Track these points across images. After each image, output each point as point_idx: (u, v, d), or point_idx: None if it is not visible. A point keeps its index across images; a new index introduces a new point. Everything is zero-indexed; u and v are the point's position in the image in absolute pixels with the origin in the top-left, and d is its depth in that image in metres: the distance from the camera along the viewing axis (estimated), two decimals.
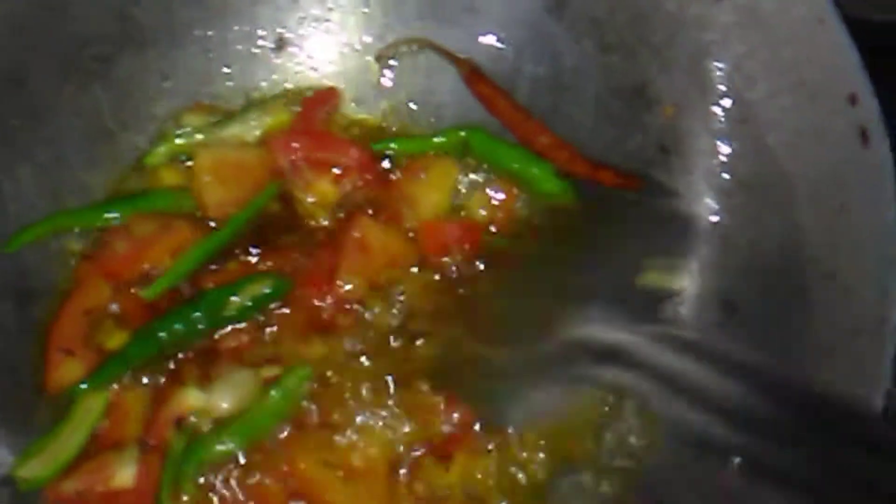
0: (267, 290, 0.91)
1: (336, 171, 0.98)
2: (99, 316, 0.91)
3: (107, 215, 0.94)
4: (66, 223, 0.94)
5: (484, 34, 1.01)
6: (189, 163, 0.97)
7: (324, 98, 1.01)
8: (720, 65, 0.92)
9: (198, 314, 0.89)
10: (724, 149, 0.94)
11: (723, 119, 0.93)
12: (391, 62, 1.03)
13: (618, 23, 0.96)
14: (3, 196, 0.92)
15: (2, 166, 0.92)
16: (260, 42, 1.03)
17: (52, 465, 0.85)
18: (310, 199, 0.97)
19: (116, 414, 0.88)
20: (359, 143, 0.99)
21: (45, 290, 0.93)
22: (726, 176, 0.94)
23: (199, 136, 0.98)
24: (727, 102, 0.93)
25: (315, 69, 1.05)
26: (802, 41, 0.87)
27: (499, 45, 1.01)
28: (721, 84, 0.92)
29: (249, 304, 0.90)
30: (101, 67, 0.96)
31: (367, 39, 1.04)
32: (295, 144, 0.97)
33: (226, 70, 1.03)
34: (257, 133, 0.99)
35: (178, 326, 0.89)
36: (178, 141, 0.98)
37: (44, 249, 0.94)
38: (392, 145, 1.00)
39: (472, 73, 0.99)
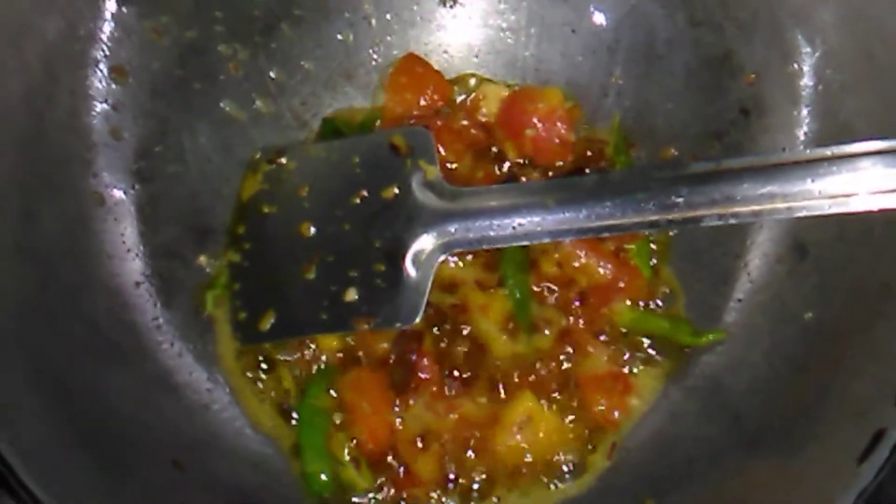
0: None
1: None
2: None
3: None
4: None
5: (590, 9, 1.13)
6: None
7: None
8: (798, 37, 1.01)
9: None
10: (802, 112, 1.04)
11: (800, 86, 1.03)
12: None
13: (707, 1, 1.07)
14: (184, 149, 1.08)
15: (184, 123, 1.08)
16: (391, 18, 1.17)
17: None
18: None
19: None
20: None
21: None
22: (800, 136, 1.05)
23: None
24: (805, 70, 1.02)
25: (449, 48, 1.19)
26: (872, 15, 0.95)
27: (601, 19, 1.13)
28: (799, 54, 1.02)
29: None
30: (265, 39, 1.11)
31: (489, 11, 1.17)
32: None
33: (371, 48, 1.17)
34: None
35: None
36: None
37: None
38: None
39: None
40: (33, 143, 0.96)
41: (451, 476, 1.01)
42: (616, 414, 1.03)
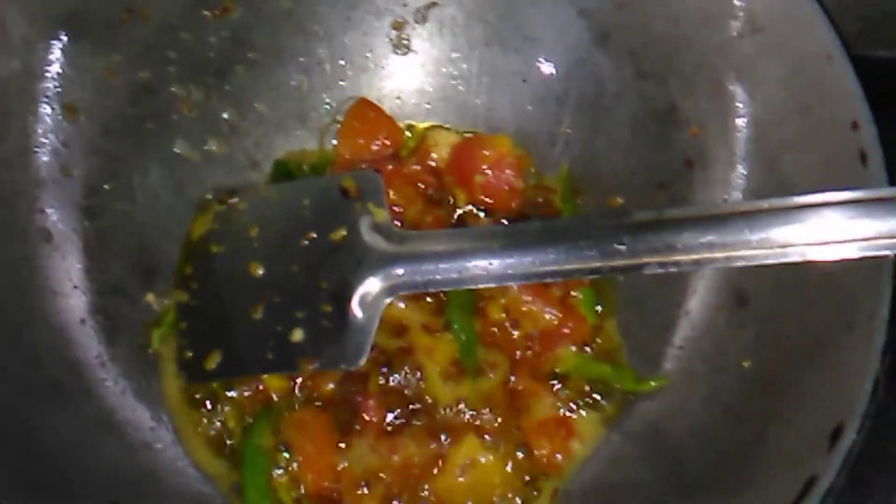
0: None
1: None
2: None
3: None
4: None
5: (539, 60, 1.16)
6: None
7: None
8: (739, 91, 1.04)
9: None
10: (742, 165, 1.06)
11: (740, 139, 1.05)
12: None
13: (652, 55, 1.09)
14: (134, 187, 1.09)
15: (135, 161, 1.08)
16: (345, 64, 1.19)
17: None
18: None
19: None
20: None
21: None
22: (740, 188, 1.07)
23: None
24: (745, 124, 1.04)
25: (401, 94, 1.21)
26: (812, 73, 0.97)
27: (551, 69, 1.16)
28: (740, 108, 1.04)
29: None
30: (218, 80, 1.13)
31: (441, 60, 1.20)
32: None
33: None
34: None
35: None
36: None
37: None
38: None
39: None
40: None
41: None
42: (559, 458, 1.04)
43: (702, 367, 1.03)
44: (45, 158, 1.02)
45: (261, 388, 1.06)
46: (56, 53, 1.01)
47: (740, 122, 1.05)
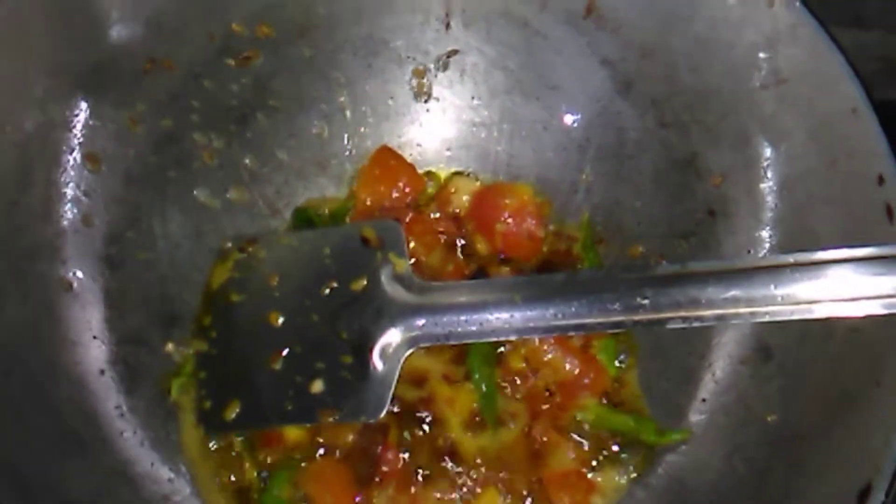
0: None
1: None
2: None
3: None
4: None
5: (560, 108, 1.16)
6: None
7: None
8: (763, 142, 1.03)
9: None
10: (766, 216, 1.05)
11: (764, 190, 1.04)
12: None
13: (675, 104, 1.08)
14: (155, 235, 1.09)
15: (156, 210, 1.08)
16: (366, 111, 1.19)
17: None
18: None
19: None
20: None
21: None
22: (764, 240, 1.06)
23: None
24: (769, 175, 1.04)
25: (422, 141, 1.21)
26: (837, 126, 0.96)
27: (572, 118, 1.16)
28: (764, 159, 1.04)
29: None
30: (240, 128, 1.13)
31: (462, 107, 1.20)
32: None
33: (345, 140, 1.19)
34: None
35: None
36: None
37: None
38: None
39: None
40: (3, 229, 0.96)
41: None
42: None
43: (726, 421, 1.02)
44: (66, 208, 1.02)
45: (279, 439, 1.04)
46: (79, 105, 1.01)
47: (764, 173, 1.05)
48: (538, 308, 0.97)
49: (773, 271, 0.90)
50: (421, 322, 1.01)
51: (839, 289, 0.87)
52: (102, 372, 1.02)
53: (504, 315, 0.98)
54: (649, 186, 1.13)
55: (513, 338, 1.01)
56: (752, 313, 0.90)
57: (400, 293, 1.03)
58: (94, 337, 1.02)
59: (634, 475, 1.05)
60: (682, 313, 0.92)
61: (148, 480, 1.01)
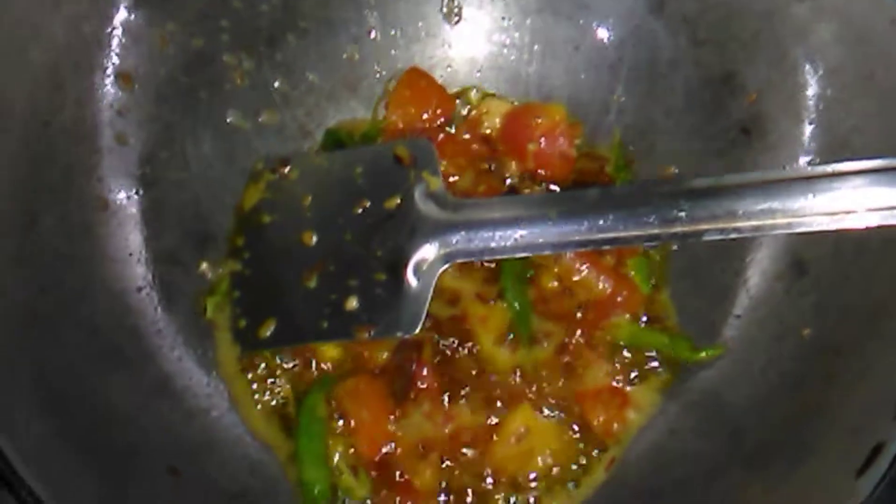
0: None
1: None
2: None
3: None
4: None
5: (593, 27, 1.15)
6: None
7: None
8: (799, 56, 1.02)
9: None
10: (802, 130, 1.04)
11: (800, 104, 1.03)
12: None
13: (709, 21, 1.07)
14: (188, 156, 1.09)
15: (188, 130, 1.08)
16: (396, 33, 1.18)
17: None
18: None
19: None
20: None
21: None
22: (799, 155, 1.05)
23: None
24: (805, 89, 1.03)
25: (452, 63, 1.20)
26: (875, 39, 0.96)
27: (605, 37, 1.15)
28: (800, 73, 1.02)
29: None
30: (270, 49, 1.12)
31: (493, 28, 1.18)
32: None
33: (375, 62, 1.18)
34: None
35: None
36: None
37: None
38: None
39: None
40: (38, 149, 0.96)
41: (445, 485, 1.01)
42: (615, 427, 1.03)
43: (760, 336, 1.02)
44: (101, 128, 1.02)
45: (314, 356, 1.04)
46: (111, 23, 1.01)
47: (800, 88, 1.04)
48: (573, 223, 0.97)
49: (809, 182, 0.89)
50: (455, 238, 1.01)
51: (874, 199, 0.86)
52: (139, 289, 1.03)
53: (538, 230, 0.98)
54: (682, 105, 1.12)
55: (547, 252, 1.00)
56: (788, 224, 0.90)
57: (433, 210, 1.03)
58: (131, 254, 1.03)
59: (668, 390, 1.05)
60: (719, 225, 0.92)
61: (187, 395, 1.02)
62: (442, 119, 1.16)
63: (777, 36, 1.04)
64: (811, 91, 1.03)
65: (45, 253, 0.95)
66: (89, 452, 0.87)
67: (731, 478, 0.96)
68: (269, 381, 1.05)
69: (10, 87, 0.93)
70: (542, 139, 1.13)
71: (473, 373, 1.04)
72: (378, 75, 1.17)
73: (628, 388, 1.05)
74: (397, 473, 1.01)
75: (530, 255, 1.02)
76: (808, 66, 1.03)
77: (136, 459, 0.92)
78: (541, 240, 0.98)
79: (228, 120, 1.11)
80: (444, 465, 1.02)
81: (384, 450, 1.02)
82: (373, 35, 1.16)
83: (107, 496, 0.84)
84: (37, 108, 0.96)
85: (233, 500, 0.97)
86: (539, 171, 1.14)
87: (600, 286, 1.08)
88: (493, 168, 1.14)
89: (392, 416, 1.03)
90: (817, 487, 0.87)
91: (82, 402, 0.90)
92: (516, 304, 1.06)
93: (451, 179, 1.12)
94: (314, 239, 1.06)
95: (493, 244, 1.00)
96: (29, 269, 0.92)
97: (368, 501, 1.01)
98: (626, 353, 1.07)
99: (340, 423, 1.03)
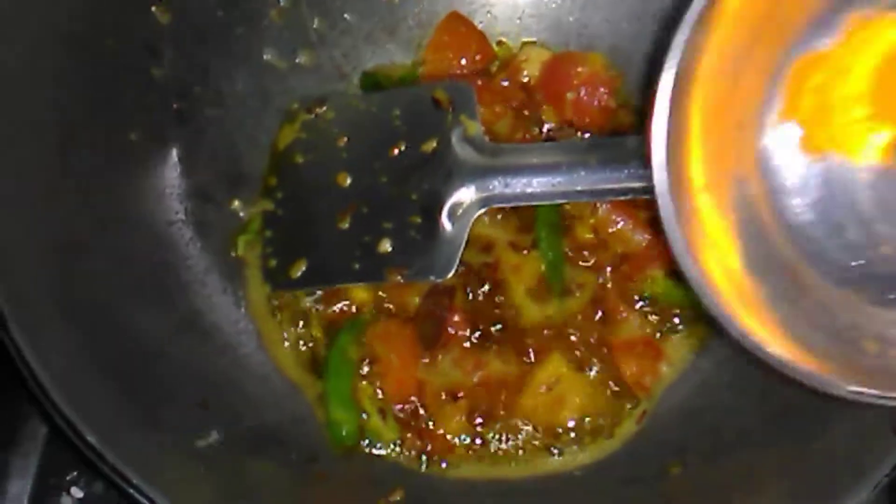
0: None
1: None
2: None
3: None
4: None
5: None
6: None
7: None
8: None
9: None
10: None
11: None
12: None
13: None
14: (223, 93, 1.08)
15: (224, 67, 1.07)
16: None
17: None
18: None
19: None
20: None
21: None
22: None
23: None
24: None
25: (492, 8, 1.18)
26: None
27: None
28: None
29: None
30: None
31: None
32: None
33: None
34: None
35: None
36: None
37: None
38: None
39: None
40: (77, 80, 0.95)
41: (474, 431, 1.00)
42: (647, 380, 1.02)
43: None
44: (136, 58, 1.00)
45: (345, 298, 1.04)
46: None
47: None
48: (613, 169, 0.95)
49: None
50: (492, 183, 0.99)
51: None
52: (170, 224, 1.02)
53: (577, 176, 0.96)
54: None
55: (585, 200, 0.99)
56: None
57: (471, 154, 1.01)
58: (164, 188, 1.02)
59: (702, 345, 1.03)
60: None
61: (217, 331, 1.01)
62: (480, 66, 1.14)
63: None
64: None
65: (80, 179, 0.94)
66: (119, 380, 0.86)
67: (762, 435, 0.95)
68: (300, 321, 1.03)
69: (51, 20, 0.91)
70: (582, 89, 1.11)
71: (504, 320, 1.03)
72: (417, 19, 1.16)
73: (661, 341, 1.03)
74: (426, 416, 1.00)
75: (567, 202, 1.01)
76: None
77: (164, 390, 0.91)
78: (579, 187, 0.96)
79: (265, 57, 1.10)
80: (473, 413, 1.00)
81: (413, 394, 1.01)
82: None
83: (137, 422, 0.84)
84: (74, 34, 0.94)
85: (261, 436, 0.96)
86: (577, 120, 1.11)
87: (636, 239, 1.07)
88: (530, 116, 1.12)
89: (422, 361, 1.02)
90: (851, 444, 0.86)
91: (112, 329, 0.90)
92: (550, 254, 1.05)
93: (488, 127, 1.10)
94: (348, 180, 1.05)
95: (530, 189, 0.98)
96: (64, 194, 0.91)
97: (396, 445, 1.00)
98: (658, 307, 1.05)
99: (369, 366, 1.01)
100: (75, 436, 0.77)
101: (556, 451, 1.01)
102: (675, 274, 1.02)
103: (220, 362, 0.99)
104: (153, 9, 1.00)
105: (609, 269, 1.06)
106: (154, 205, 1.01)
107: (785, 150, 0.69)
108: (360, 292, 1.04)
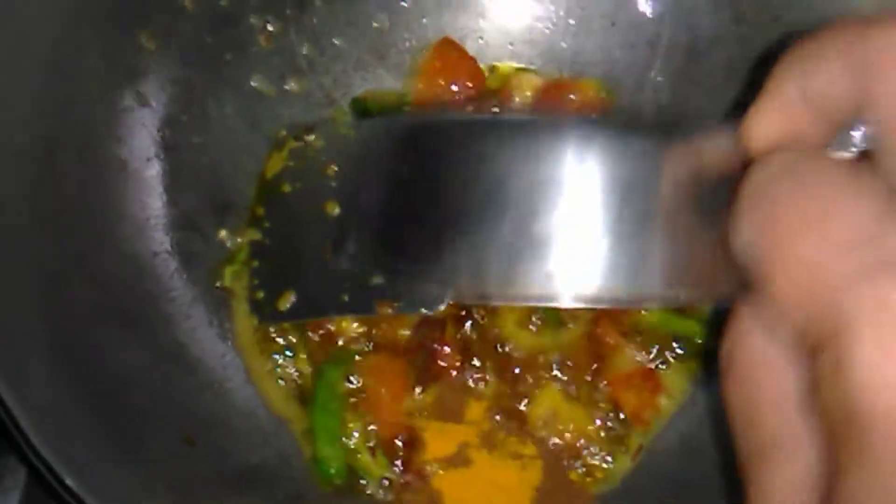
0: None
1: None
2: None
3: None
4: None
5: (631, 2, 1.11)
6: None
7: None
8: None
9: None
10: None
11: None
12: None
13: None
14: (210, 119, 1.05)
15: (211, 93, 1.05)
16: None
17: None
18: None
19: None
20: None
21: None
22: None
23: None
24: None
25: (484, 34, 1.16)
26: None
27: (643, 12, 1.11)
28: None
29: None
30: (297, 13, 1.08)
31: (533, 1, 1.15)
32: None
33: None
34: None
35: None
36: None
37: None
38: None
39: None
40: (57, 105, 0.92)
41: None
42: (646, 413, 0.99)
43: None
44: (121, 85, 0.98)
45: (333, 331, 1.01)
46: None
47: None
48: None
49: None
50: None
51: None
52: (155, 255, 1.00)
53: None
54: (719, 85, 1.08)
55: None
56: None
57: None
58: (148, 219, 0.99)
59: (697, 377, 1.01)
60: None
61: (201, 365, 0.99)
62: (472, 92, 1.12)
63: (824, 17, 0.99)
64: None
65: (62, 211, 0.92)
66: (100, 417, 0.83)
67: None
68: (287, 353, 1.01)
69: (31, 40, 0.89)
70: None
71: (498, 353, 1.01)
72: (407, 44, 1.14)
73: (659, 373, 1.01)
74: (416, 453, 0.97)
75: None
76: None
77: (148, 426, 0.89)
78: None
79: (253, 84, 1.07)
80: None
81: (403, 429, 0.98)
82: (403, 2, 1.12)
83: (118, 461, 0.81)
84: (57, 62, 0.92)
85: (247, 473, 0.93)
86: None
87: None
88: None
89: (412, 395, 0.99)
90: None
91: (94, 365, 0.87)
92: None
93: None
94: (337, 210, 1.02)
95: None
96: (45, 225, 0.89)
97: (385, 480, 0.97)
98: (655, 338, 1.03)
99: (358, 400, 0.99)
100: (53, 478, 0.73)
101: None
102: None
103: (204, 397, 0.96)
104: (140, 34, 0.98)
105: None
106: (138, 234, 0.98)
107: None
108: (349, 323, 1.01)
